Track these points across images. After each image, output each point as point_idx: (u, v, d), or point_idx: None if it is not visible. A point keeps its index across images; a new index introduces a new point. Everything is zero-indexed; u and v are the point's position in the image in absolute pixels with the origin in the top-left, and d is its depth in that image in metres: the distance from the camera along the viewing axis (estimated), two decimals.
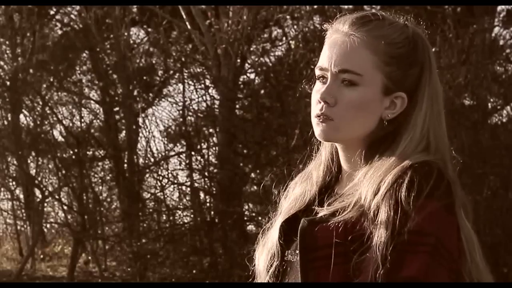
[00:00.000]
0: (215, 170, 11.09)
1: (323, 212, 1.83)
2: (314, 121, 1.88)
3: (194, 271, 10.76)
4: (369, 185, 1.79)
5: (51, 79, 12.16)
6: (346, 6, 10.55)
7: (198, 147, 11.30)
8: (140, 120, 11.88)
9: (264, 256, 1.92)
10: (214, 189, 10.99)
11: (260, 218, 10.16)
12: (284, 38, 11.38)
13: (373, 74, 1.85)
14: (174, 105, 12.00)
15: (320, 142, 1.96)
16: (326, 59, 1.87)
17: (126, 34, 11.54)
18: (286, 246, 1.88)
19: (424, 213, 1.72)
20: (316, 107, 1.87)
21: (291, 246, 1.87)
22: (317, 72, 1.89)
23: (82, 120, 12.28)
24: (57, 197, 12.45)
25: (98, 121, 12.44)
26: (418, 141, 1.85)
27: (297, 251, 1.82)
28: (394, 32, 1.88)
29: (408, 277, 1.70)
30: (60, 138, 12.20)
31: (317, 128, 1.87)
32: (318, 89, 1.88)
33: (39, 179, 12.60)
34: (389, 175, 1.78)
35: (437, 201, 1.74)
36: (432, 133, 1.88)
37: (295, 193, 1.96)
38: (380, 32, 1.87)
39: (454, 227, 1.78)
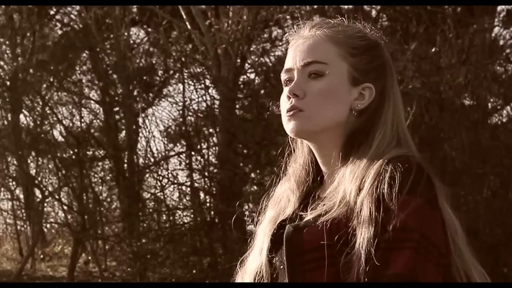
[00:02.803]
0: (215, 170, 11.10)
1: (307, 217, 1.83)
2: (285, 119, 1.89)
3: (194, 271, 10.76)
4: (351, 183, 1.80)
5: (51, 79, 12.16)
6: (346, 6, 10.56)
7: (198, 147, 11.30)
8: (140, 120, 11.89)
9: (247, 278, 1.92)
10: (214, 189, 10.99)
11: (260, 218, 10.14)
12: (284, 38, 11.38)
13: (339, 64, 1.88)
14: (174, 105, 12.02)
15: (287, 160, 1.99)
16: (290, 60, 1.91)
17: (126, 34, 11.54)
18: (275, 255, 1.87)
19: (408, 210, 1.72)
20: (285, 104, 1.89)
21: (278, 255, 1.87)
22: (283, 76, 1.92)
23: (82, 120, 12.29)
24: (57, 197, 12.45)
25: (98, 121, 12.45)
26: (390, 136, 1.87)
27: (284, 257, 1.82)
28: (354, 29, 1.94)
29: (394, 274, 1.69)
30: (60, 138, 12.21)
31: (288, 125, 1.88)
32: (285, 92, 1.91)
33: (39, 179, 12.61)
34: (370, 172, 1.78)
35: (420, 197, 1.74)
36: (400, 128, 1.90)
37: (271, 216, 1.96)
38: (338, 29, 1.92)
39: (438, 222, 1.77)
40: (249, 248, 1.98)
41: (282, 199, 1.96)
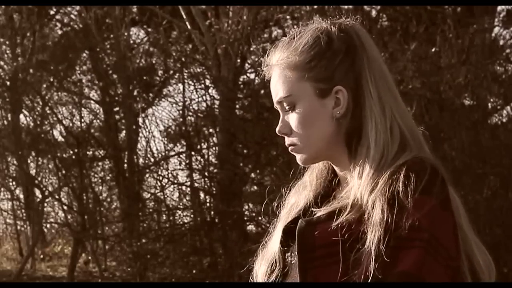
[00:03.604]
0: (215, 170, 11.09)
1: (320, 212, 1.85)
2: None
3: (194, 271, 10.76)
4: (362, 185, 1.81)
5: (51, 79, 12.16)
6: (346, 6, 10.56)
7: (198, 147, 11.29)
8: (140, 120, 11.89)
9: (263, 266, 1.94)
10: (214, 189, 10.99)
11: (260, 218, 10.16)
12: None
13: (301, 87, 1.90)
14: (174, 105, 12.02)
15: None
16: (272, 98, 1.98)
17: (126, 34, 11.54)
18: (287, 250, 1.90)
19: (420, 210, 1.73)
20: None
21: (291, 249, 1.89)
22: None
23: (82, 120, 12.29)
24: (57, 197, 12.44)
25: (98, 121, 12.45)
26: (385, 125, 1.86)
27: (296, 252, 1.83)
28: (303, 40, 1.91)
29: (402, 272, 1.70)
30: (60, 138, 12.21)
31: (296, 158, 1.95)
32: None
33: (39, 179, 12.60)
34: (385, 173, 1.79)
35: (434, 198, 1.75)
36: (396, 111, 1.88)
37: (291, 202, 1.99)
38: (290, 48, 1.92)
39: (450, 224, 1.78)
40: (271, 232, 2.00)
41: (304, 188, 1.99)
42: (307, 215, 1.90)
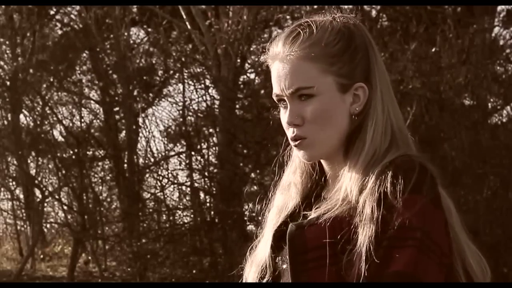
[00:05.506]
0: (215, 170, 11.10)
1: (311, 216, 1.84)
2: (292, 144, 1.90)
3: (194, 271, 10.76)
4: (352, 181, 1.80)
5: (51, 79, 12.16)
6: (346, 6, 10.55)
7: (198, 147, 11.30)
8: (140, 120, 11.89)
9: (252, 272, 1.92)
10: (214, 189, 10.99)
11: (260, 218, 10.15)
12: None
13: (323, 80, 1.85)
14: (174, 105, 12.02)
15: (291, 149, 1.96)
16: (277, 86, 1.89)
17: (126, 34, 11.54)
18: (278, 254, 1.88)
19: (412, 209, 1.72)
20: (288, 133, 1.89)
21: (281, 254, 1.87)
22: (276, 99, 1.91)
23: (82, 120, 12.29)
24: (57, 197, 12.44)
25: (98, 121, 12.45)
26: (382, 122, 1.85)
27: (287, 256, 1.82)
28: (325, 33, 1.88)
29: (396, 272, 1.69)
30: (60, 138, 12.21)
31: (299, 153, 1.89)
32: (283, 115, 1.90)
33: (39, 179, 12.61)
34: (373, 172, 1.78)
35: (424, 196, 1.74)
36: (391, 110, 1.88)
37: (278, 205, 1.96)
38: (312, 39, 1.87)
39: (441, 221, 1.77)
40: (259, 235, 1.98)
41: (289, 189, 1.96)
42: (296, 218, 1.88)
